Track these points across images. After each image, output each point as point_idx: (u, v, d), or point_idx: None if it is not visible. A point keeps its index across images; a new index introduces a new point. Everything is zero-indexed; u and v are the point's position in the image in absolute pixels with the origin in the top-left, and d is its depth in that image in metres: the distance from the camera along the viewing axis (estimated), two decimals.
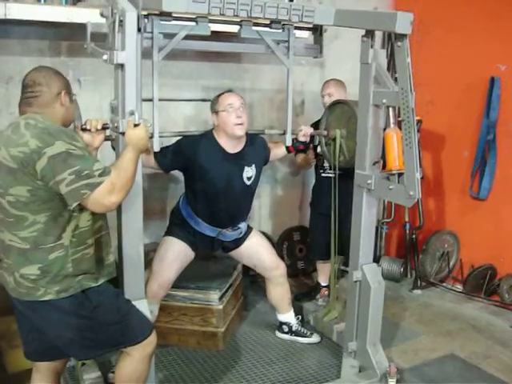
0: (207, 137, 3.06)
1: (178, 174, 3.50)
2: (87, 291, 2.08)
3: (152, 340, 2.26)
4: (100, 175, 1.89)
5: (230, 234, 3.21)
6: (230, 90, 3.07)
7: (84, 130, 2.25)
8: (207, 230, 3.14)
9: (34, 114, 2.00)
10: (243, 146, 3.11)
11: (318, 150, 3.42)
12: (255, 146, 3.19)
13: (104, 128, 2.32)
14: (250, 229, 3.36)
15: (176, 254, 3.09)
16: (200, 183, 3.05)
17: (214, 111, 3.02)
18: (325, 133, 3.22)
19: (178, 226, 3.18)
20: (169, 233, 3.19)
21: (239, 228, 3.23)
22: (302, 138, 3.17)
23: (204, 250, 3.29)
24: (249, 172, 3.12)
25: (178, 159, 3.01)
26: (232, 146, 3.06)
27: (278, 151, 3.35)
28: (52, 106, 2.05)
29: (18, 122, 1.96)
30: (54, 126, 1.96)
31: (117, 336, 2.18)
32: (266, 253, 3.34)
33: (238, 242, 3.29)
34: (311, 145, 3.38)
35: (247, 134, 3.11)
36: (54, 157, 1.85)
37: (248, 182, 3.14)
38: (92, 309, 2.08)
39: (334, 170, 3.22)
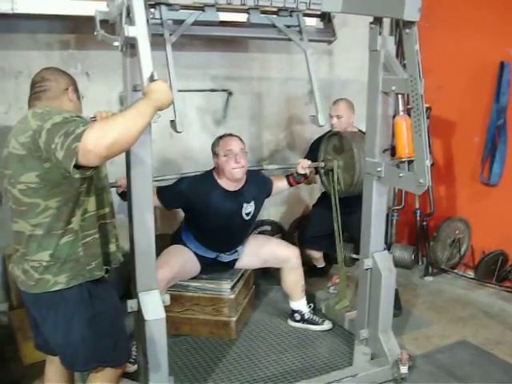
0: (207, 177, 3.19)
1: None
2: (93, 297, 2.06)
3: (120, 372, 2.24)
4: (84, 124, 1.73)
5: (227, 257, 3.35)
6: (230, 134, 3.16)
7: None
8: (207, 253, 3.28)
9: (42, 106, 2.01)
10: (243, 184, 3.21)
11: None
12: (256, 183, 3.31)
13: None
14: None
15: (183, 253, 3.22)
16: (200, 220, 3.18)
17: (215, 153, 3.14)
18: (322, 164, 3.34)
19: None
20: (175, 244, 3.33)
21: (236, 251, 3.37)
22: (301, 171, 3.30)
23: (206, 266, 3.35)
24: (248, 208, 3.24)
25: (179, 199, 3.13)
26: (232, 186, 3.17)
27: (280, 185, 3.43)
28: (60, 99, 2.08)
29: (26, 114, 1.98)
30: (59, 110, 1.96)
31: (109, 350, 2.14)
32: (274, 246, 3.45)
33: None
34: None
35: (247, 171, 3.21)
36: (51, 127, 1.79)
37: (246, 218, 3.25)
38: (92, 316, 2.05)
39: (334, 198, 3.33)
